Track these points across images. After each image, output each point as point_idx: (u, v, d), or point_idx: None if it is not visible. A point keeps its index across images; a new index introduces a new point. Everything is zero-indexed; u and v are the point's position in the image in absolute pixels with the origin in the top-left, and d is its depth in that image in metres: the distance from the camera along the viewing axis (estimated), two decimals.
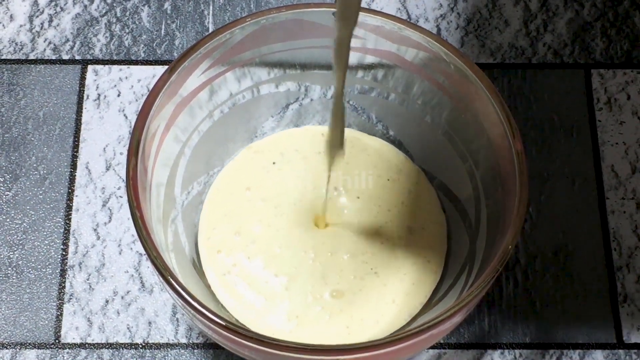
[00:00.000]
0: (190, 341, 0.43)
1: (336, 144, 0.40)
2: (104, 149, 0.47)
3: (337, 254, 0.42)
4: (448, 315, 0.33)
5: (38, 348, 0.43)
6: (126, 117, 0.48)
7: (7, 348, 0.43)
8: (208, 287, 0.41)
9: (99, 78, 0.49)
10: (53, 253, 0.45)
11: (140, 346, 0.43)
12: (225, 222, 0.43)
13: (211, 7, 0.51)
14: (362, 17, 0.39)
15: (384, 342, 0.32)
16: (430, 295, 0.41)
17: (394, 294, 0.41)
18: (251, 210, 0.43)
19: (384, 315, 0.41)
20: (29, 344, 0.43)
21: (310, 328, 0.40)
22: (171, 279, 0.33)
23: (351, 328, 0.40)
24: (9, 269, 0.45)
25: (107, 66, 0.50)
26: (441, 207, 0.43)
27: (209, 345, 0.43)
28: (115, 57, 0.50)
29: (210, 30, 0.51)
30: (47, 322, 0.44)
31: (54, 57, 0.50)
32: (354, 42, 0.36)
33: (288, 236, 0.42)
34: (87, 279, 0.44)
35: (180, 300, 0.33)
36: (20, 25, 0.51)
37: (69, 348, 0.43)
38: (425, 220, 0.43)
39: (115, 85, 0.49)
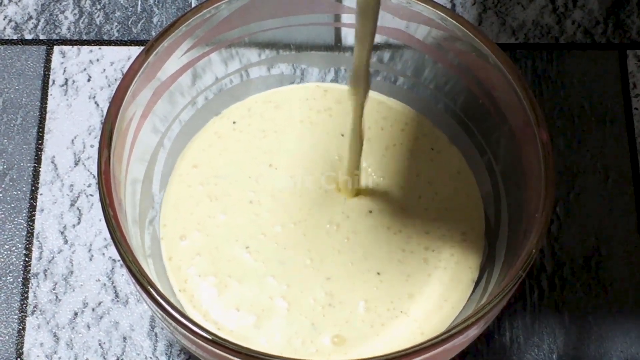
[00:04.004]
0: (171, 359, 0.43)
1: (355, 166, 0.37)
2: (72, 140, 0.48)
3: (339, 306, 0.37)
4: (463, 328, 0.33)
5: None
6: (97, 105, 0.48)
7: None
8: None
9: (66, 60, 0.49)
10: (14, 259, 0.45)
11: None
12: (172, 218, 0.39)
13: None
14: None
15: (389, 358, 0.32)
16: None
17: (425, 327, 0.38)
18: (190, 203, 0.39)
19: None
20: None
21: None
22: (149, 287, 0.34)
23: None
24: None
25: (75, 47, 0.50)
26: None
27: None
28: (84, 37, 0.50)
29: (193, 5, 0.51)
30: (7, 337, 0.44)
31: (15, 37, 0.50)
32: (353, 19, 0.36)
33: (234, 261, 0.37)
34: (53, 289, 0.45)
35: (159, 310, 0.33)
36: None
37: None
38: (474, 218, 0.39)
39: (84, 69, 0.49)
